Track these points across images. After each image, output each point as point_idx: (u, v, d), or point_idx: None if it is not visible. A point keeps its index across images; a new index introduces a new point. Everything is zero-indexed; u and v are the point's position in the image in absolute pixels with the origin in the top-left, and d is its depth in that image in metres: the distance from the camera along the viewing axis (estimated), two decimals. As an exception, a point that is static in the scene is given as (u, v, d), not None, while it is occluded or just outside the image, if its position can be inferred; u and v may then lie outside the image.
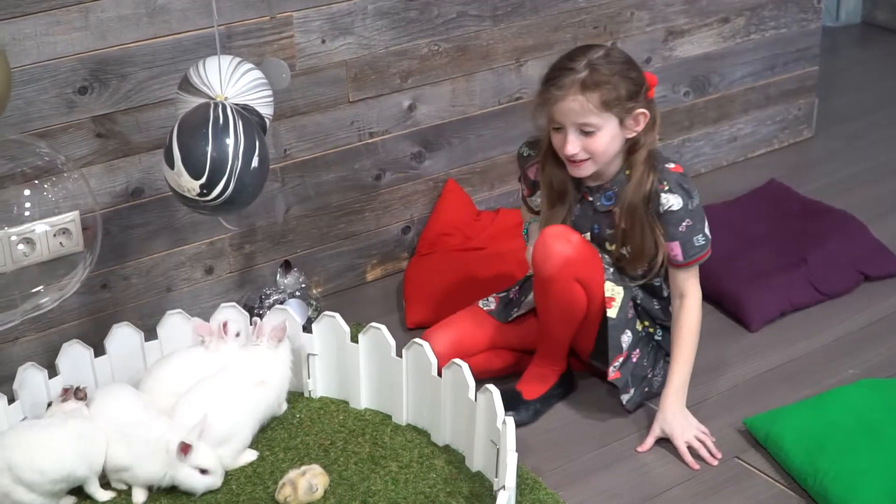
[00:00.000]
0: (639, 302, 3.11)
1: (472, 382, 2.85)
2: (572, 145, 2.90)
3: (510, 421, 2.68)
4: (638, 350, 3.09)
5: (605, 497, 2.87)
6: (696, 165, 4.44)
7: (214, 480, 2.85)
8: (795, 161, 4.63)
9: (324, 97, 3.51)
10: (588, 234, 3.07)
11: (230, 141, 2.75)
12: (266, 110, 2.95)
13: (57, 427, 2.82)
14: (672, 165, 3.00)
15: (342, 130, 3.59)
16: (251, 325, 3.12)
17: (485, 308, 3.24)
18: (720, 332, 3.48)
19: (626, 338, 3.05)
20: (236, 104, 2.84)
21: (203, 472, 2.83)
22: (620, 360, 3.04)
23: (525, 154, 3.16)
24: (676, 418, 3.01)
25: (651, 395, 3.15)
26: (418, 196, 3.84)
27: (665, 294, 3.12)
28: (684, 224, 2.97)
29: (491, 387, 2.78)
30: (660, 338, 3.17)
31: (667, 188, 2.96)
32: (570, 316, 3.02)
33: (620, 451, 3.02)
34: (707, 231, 3.01)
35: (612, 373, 3.04)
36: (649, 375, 3.14)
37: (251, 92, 2.91)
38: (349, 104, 3.57)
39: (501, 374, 3.21)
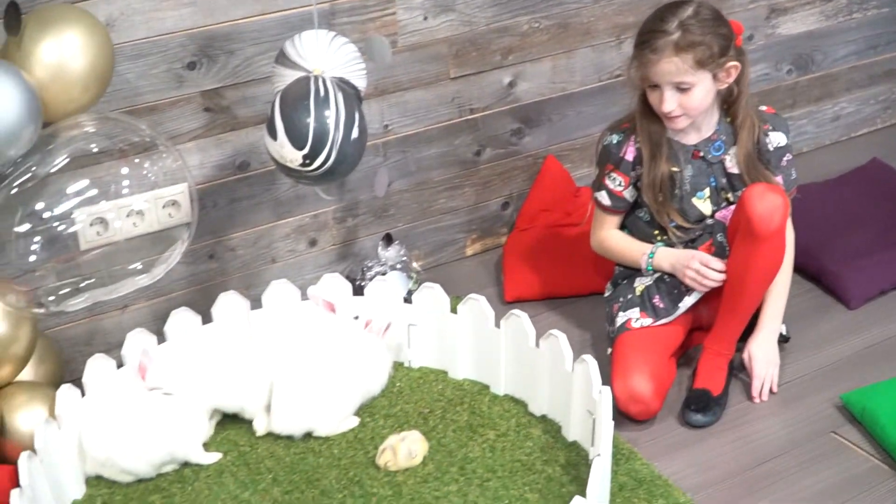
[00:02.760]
0: None
1: (569, 353, 2.89)
2: (669, 102, 3.00)
3: (606, 391, 2.72)
4: None
5: (700, 469, 2.90)
6: (798, 144, 4.41)
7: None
8: (898, 141, 4.60)
9: (425, 73, 3.56)
10: (707, 188, 3.14)
11: (331, 112, 2.81)
12: (361, 83, 3.00)
13: (148, 414, 2.92)
14: (765, 108, 3.21)
15: (443, 106, 3.63)
16: (359, 318, 3.17)
17: (644, 325, 3.14)
18: (819, 309, 3.48)
19: None
20: (334, 77, 2.89)
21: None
22: None
23: (616, 140, 3.19)
24: (767, 346, 3.14)
25: None
26: (518, 172, 3.88)
27: None
28: (786, 158, 3.16)
29: (588, 357, 2.81)
30: None
31: (770, 127, 3.14)
32: (773, 273, 3.07)
33: (717, 424, 3.05)
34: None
35: None
36: None
37: (347, 65, 2.95)
38: (450, 80, 3.61)
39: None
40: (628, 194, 3.20)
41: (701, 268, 3.06)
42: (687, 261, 3.09)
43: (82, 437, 2.89)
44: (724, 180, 3.13)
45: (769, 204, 2.94)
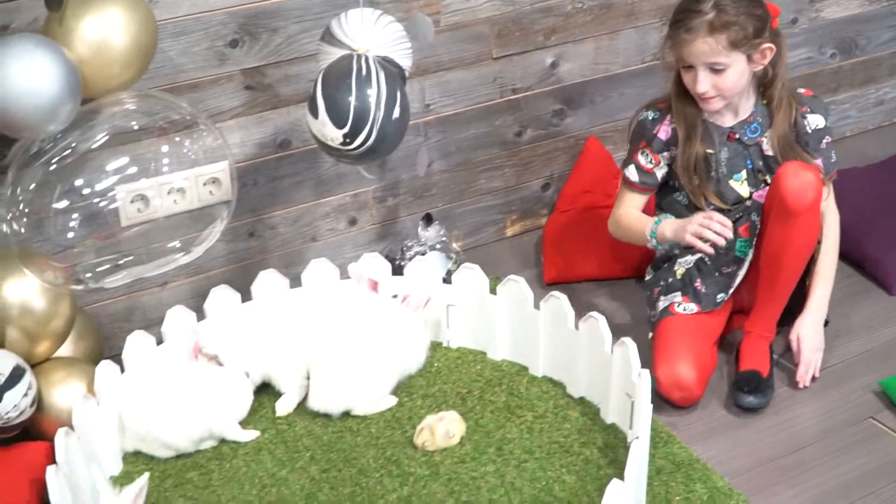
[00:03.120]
0: None
1: (608, 335, 2.88)
2: (703, 83, 2.99)
3: (645, 373, 2.71)
4: None
5: (738, 453, 2.89)
6: (841, 128, 4.39)
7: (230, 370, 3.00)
8: (942, 126, 4.56)
9: (467, 53, 3.54)
10: (744, 171, 3.12)
11: (372, 91, 2.81)
12: (406, 62, 2.99)
13: (191, 390, 2.94)
14: (803, 90, 3.19)
15: (485, 86, 3.62)
16: (398, 295, 3.16)
17: (689, 313, 3.12)
18: (860, 293, 3.45)
19: None
20: (378, 56, 2.89)
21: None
22: None
23: (651, 118, 3.18)
24: (814, 330, 3.12)
25: None
26: (559, 153, 3.86)
27: None
28: (825, 141, 3.14)
29: (627, 340, 2.80)
30: None
31: (808, 110, 3.12)
32: (809, 249, 3.05)
33: (753, 410, 3.02)
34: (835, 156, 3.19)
35: None
36: None
37: (392, 44, 2.95)
38: (493, 60, 3.60)
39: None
40: (658, 172, 3.19)
41: (703, 220, 2.98)
42: (687, 222, 3.04)
43: (123, 410, 2.91)
44: (760, 162, 3.12)
45: (802, 180, 2.92)
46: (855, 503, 2.72)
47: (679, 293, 3.15)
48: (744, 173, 3.12)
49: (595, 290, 3.55)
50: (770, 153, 3.10)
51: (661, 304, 3.16)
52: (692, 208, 3.16)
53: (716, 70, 2.97)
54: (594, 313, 2.93)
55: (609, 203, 3.69)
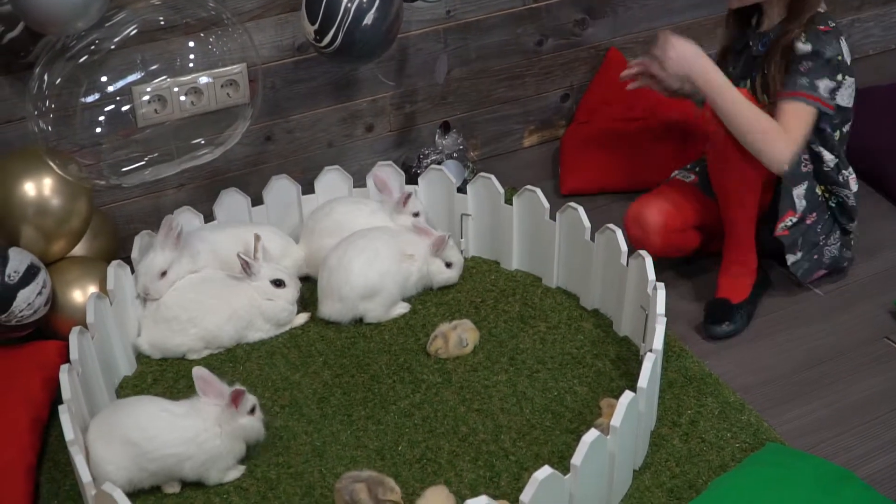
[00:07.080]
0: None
1: (624, 247, 2.87)
2: None
3: (660, 287, 2.70)
4: (815, 215, 3.03)
5: (750, 369, 2.89)
6: (864, 46, 4.34)
7: (290, 291, 3.01)
8: (967, 45, 4.51)
9: (490, -41, 3.51)
10: (749, 81, 3.05)
11: None
12: None
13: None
14: (823, 26, 2.93)
15: (507, -7, 3.59)
16: (419, 226, 3.15)
17: (686, 180, 3.19)
18: (879, 215, 3.43)
19: (800, 192, 2.97)
20: None
21: (277, 283, 2.98)
22: (792, 218, 2.98)
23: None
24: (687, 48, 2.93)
25: (821, 266, 3.12)
26: (579, 64, 3.82)
27: (827, 159, 3.01)
28: (805, 64, 2.90)
29: (643, 252, 2.79)
30: (834, 205, 3.08)
31: (804, 39, 2.91)
32: (746, 195, 2.96)
33: (768, 327, 3.04)
34: (822, 89, 2.91)
35: (781, 230, 3.00)
36: (821, 243, 3.09)
37: None
38: (515, -33, 3.56)
39: (690, 253, 3.19)
40: None
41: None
42: None
43: (174, 297, 2.94)
44: (759, 80, 3.04)
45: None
46: (867, 423, 2.73)
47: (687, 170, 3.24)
48: (748, 83, 3.05)
49: (612, 201, 3.53)
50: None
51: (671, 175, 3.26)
52: None
53: None
54: (610, 225, 2.91)
55: (629, 115, 3.68)
